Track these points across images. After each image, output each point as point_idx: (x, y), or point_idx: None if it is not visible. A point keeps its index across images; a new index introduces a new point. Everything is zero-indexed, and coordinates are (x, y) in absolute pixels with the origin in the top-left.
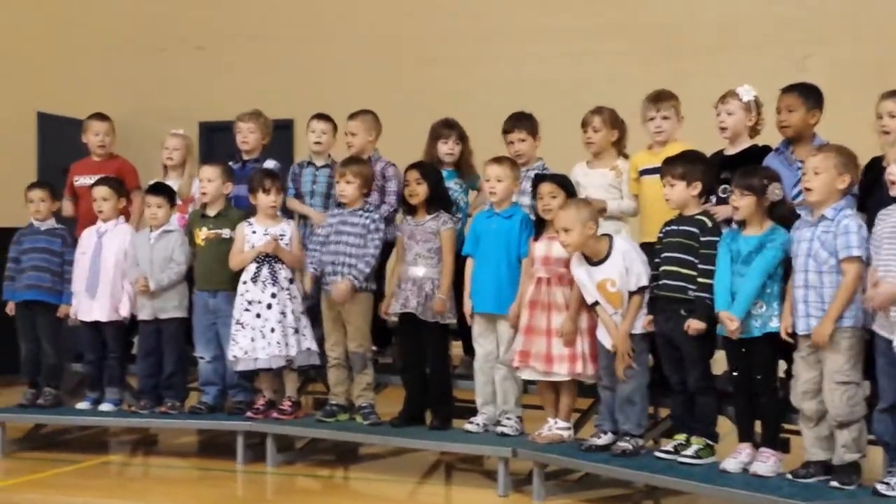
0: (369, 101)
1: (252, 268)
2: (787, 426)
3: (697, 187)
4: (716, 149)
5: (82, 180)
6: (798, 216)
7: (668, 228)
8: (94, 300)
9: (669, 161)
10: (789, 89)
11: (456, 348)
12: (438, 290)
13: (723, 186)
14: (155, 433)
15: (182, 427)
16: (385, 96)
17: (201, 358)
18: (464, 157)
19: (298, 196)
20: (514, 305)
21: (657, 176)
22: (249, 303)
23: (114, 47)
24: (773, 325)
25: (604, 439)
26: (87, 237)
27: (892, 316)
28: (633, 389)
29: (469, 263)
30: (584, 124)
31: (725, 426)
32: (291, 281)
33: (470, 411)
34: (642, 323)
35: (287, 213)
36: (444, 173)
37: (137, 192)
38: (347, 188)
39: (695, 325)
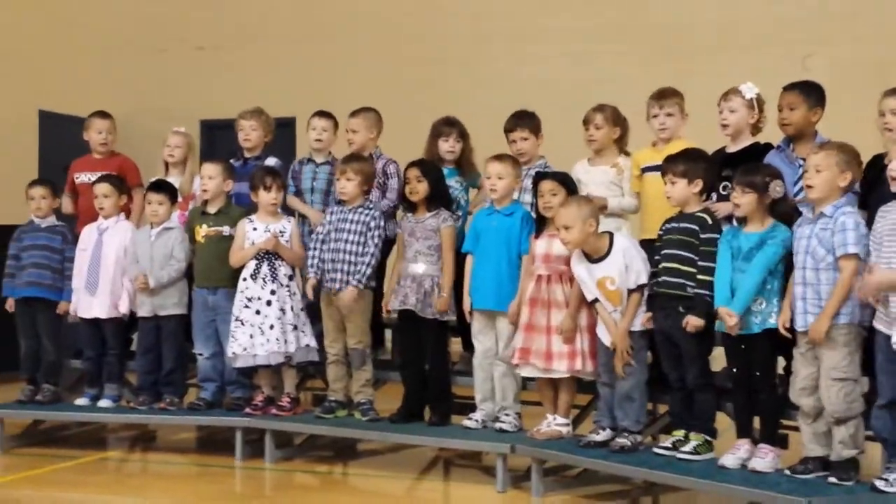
0: (370, 100)
1: (252, 265)
2: (785, 422)
3: (699, 185)
4: (715, 148)
5: (83, 177)
6: (801, 213)
7: (668, 226)
8: (93, 297)
9: (671, 159)
10: (791, 87)
11: (455, 345)
12: (440, 288)
13: (724, 184)
14: (153, 429)
15: (181, 423)
16: (386, 95)
17: (200, 354)
18: (465, 155)
19: (298, 193)
20: (513, 302)
21: (659, 173)
22: (249, 299)
23: (115, 46)
24: (773, 321)
25: (602, 435)
26: (88, 234)
27: (892, 311)
28: (631, 386)
29: (469, 260)
30: (586, 122)
31: (724, 422)
32: (291, 278)
33: (469, 407)
34: (641, 320)
35: (288, 210)
36: (445, 171)
37: (138, 189)
38: (348, 185)
39: (693, 322)
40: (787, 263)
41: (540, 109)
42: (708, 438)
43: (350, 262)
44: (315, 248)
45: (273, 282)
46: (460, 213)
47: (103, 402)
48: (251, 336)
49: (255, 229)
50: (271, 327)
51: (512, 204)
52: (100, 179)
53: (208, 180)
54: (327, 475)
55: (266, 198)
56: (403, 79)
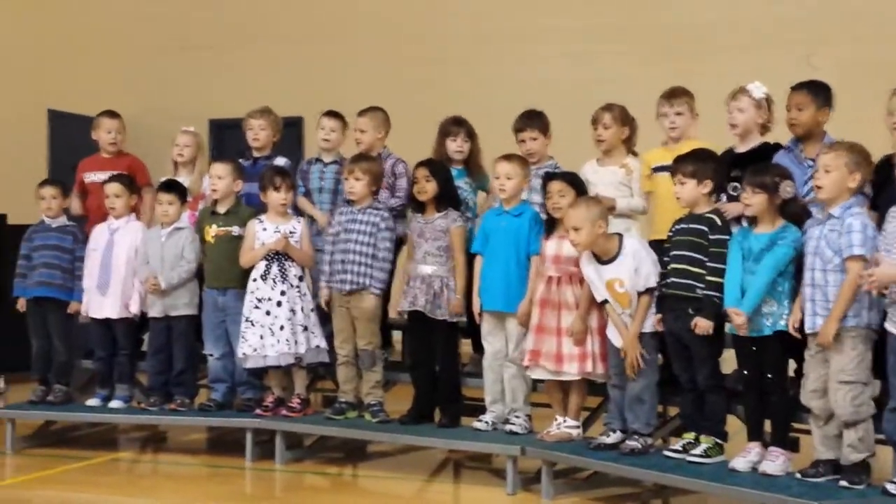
0: (375, 99)
1: (262, 265)
2: (796, 425)
3: (708, 185)
4: (716, 148)
5: (93, 177)
6: (811, 214)
7: (677, 227)
8: (104, 297)
9: (680, 159)
10: (799, 87)
11: (465, 346)
12: (454, 290)
13: (733, 184)
14: (164, 430)
15: (191, 424)
16: (389, 94)
17: (211, 355)
18: (473, 156)
19: (308, 194)
20: (523, 303)
21: (669, 173)
22: (259, 300)
23: (124, 46)
24: (784, 323)
25: (613, 438)
26: (99, 234)
27: None
28: (642, 388)
29: (478, 261)
30: (595, 121)
31: (735, 425)
32: (301, 278)
33: (479, 409)
34: (652, 322)
35: (298, 210)
36: (454, 172)
37: (148, 189)
38: (356, 185)
39: (702, 324)
40: (798, 265)
41: (540, 109)
42: (718, 441)
43: (360, 262)
44: (327, 255)
45: (283, 282)
46: (469, 215)
47: (114, 403)
48: (261, 337)
49: (264, 230)
50: (281, 328)
51: (521, 204)
52: (111, 179)
53: (218, 180)
54: (337, 476)
55: (276, 198)
56: (404, 78)
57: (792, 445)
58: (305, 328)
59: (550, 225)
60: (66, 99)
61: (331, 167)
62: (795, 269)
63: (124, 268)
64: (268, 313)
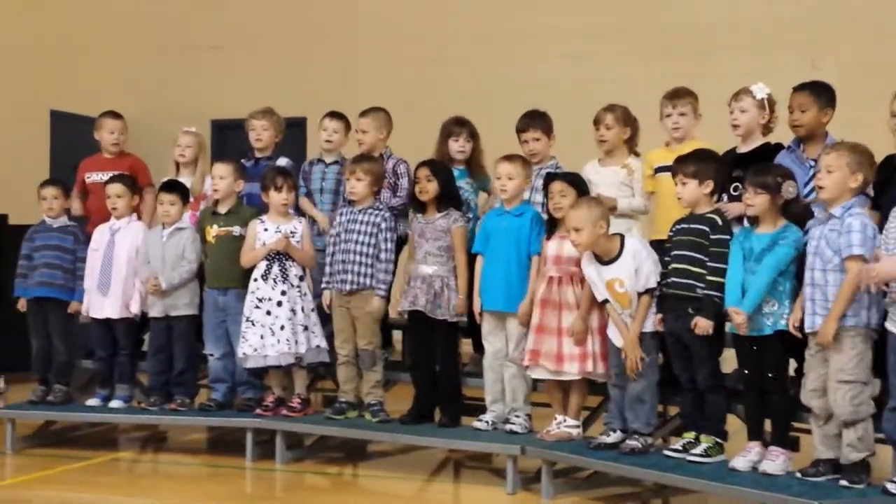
0: (378, 99)
1: (263, 265)
2: (796, 424)
3: (709, 186)
4: (718, 148)
5: (95, 177)
6: (814, 214)
7: (678, 226)
8: (105, 297)
9: (681, 159)
10: (801, 88)
11: (465, 346)
12: (454, 290)
13: (734, 184)
14: (164, 430)
15: (192, 424)
16: (392, 94)
17: (211, 355)
18: (475, 156)
19: (310, 194)
20: (523, 303)
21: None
22: (260, 300)
23: (126, 46)
24: (784, 323)
25: (613, 437)
26: (100, 234)
27: None
28: (643, 388)
29: (479, 261)
30: (597, 122)
31: (735, 424)
32: (302, 278)
33: (479, 409)
34: (653, 321)
35: (299, 211)
36: (456, 172)
37: (149, 189)
38: (358, 185)
39: (702, 324)
40: (799, 264)
41: (543, 110)
42: (718, 440)
43: (360, 262)
44: (329, 256)
45: (284, 282)
46: (471, 216)
47: (114, 403)
48: (262, 337)
49: (266, 230)
50: (282, 328)
51: (522, 204)
52: (112, 179)
53: (219, 180)
54: (338, 476)
55: (277, 198)
56: (403, 79)
57: (792, 445)
58: (306, 328)
59: (552, 225)
60: (67, 99)
61: (332, 168)
62: (797, 268)
63: (125, 268)
64: (268, 313)
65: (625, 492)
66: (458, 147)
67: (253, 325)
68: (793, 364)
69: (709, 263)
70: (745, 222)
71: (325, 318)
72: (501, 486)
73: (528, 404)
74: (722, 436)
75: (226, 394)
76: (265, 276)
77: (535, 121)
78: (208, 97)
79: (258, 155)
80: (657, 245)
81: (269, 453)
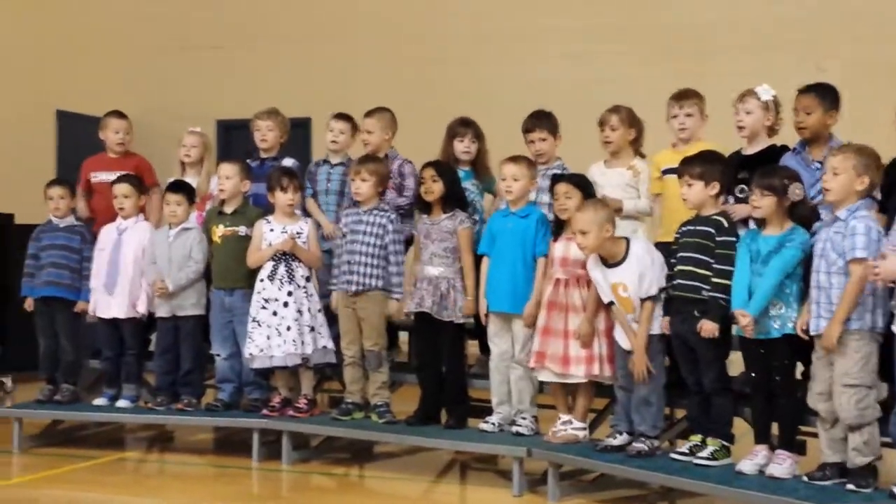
0: (378, 100)
1: (269, 266)
2: (803, 428)
3: (715, 187)
4: (723, 150)
5: (100, 176)
6: (821, 216)
7: (684, 228)
8: (112, 297)
9: (687, 161)
10: (806, 90)
11: (472, 347)
12: (460, 291)
13: (740, 186)
14: (171, 430)
15: (198, 424)
16: (392, 94)
17: (218, 355)
18: (480, 157)
19: (316, 195)
20: (529, 305)
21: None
22: (266, 301)
23: (132, 46)
24: (792, 326)
25: (619, 440)
26: (107, 234)
27: None
28: (649, 390)
29: (485, 263)
30: (602, 123)
31: (741, 427)
32: (308, 279)
33: (485, 411)
34: (659, 324)
35: (305, 211)
36: (461, 173)
37: (155, 189)
38: (363, 186)
39: (707, 326)
40: (807, 267)
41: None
42: (725, 444)
43: (366, 263)
44: (338, 260)
45: (290, 283)
46: (476, 217)
47: (121, 403)
48: (268, 337)
49: (272, 230)
50: (288, 328)
51: (527, 206)
52: (120, 179)
53: (225, 180)
54: (344, 477)
55: (283, 199)
56: (403, 79)
57: (799, 448)
58: (312, 329)
59: (558, 227)
60: (70, 99)
61: (337, 168)
62: (804, 271)
63: (132, 268)
64: (274, 314)
65: (631, 494)
66: (464, 148)
67: (259, 325)
68: (800, 367)
69: (714, 265)
70: (752, 224)
71: (332, 319)
72: (507, 487)
73: (535, 406)
74: (729, 439)
75: (232, 394)
76: (271, 277)
77: (542, 121)
78: (209, 97)
79: (263, 155)
80: (664, 247)
81: (276, 454)
